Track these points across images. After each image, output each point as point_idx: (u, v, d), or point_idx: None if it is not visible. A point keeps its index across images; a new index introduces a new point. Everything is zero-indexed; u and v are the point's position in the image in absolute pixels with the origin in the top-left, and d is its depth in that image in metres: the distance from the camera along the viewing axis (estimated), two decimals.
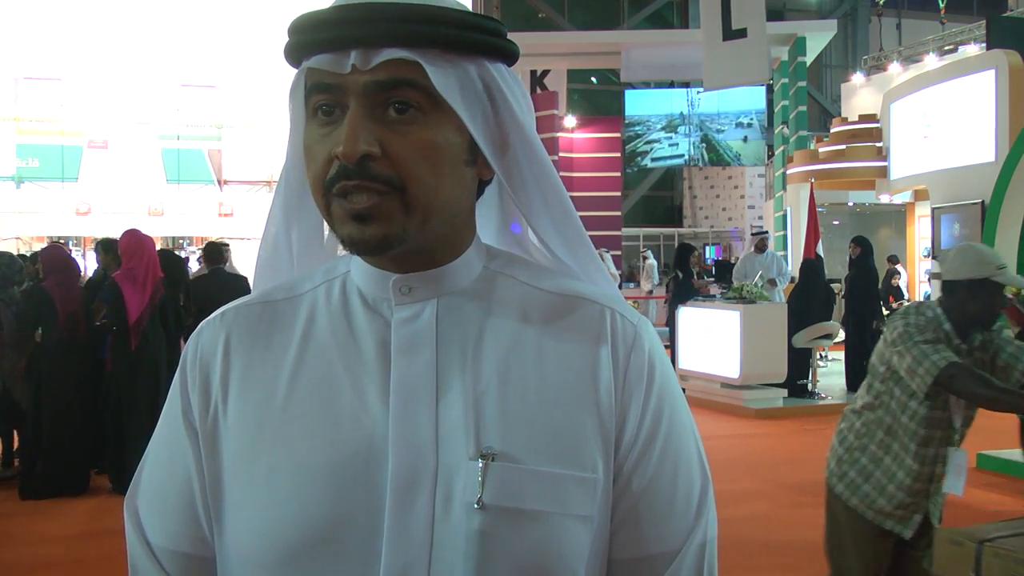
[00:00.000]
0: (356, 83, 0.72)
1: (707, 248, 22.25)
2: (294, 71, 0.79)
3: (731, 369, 8.24)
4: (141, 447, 0.88)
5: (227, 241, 8.88)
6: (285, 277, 0.88)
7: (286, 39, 0.76)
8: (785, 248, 13.27)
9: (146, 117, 16.65)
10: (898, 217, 15.57)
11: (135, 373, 5.23)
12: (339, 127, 0.73)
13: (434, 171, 0.74)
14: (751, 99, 16.57)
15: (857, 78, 19.65)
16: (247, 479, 0.77)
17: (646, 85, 19.44)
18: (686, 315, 8.99)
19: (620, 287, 15.24)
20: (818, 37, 13.86)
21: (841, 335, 9.05)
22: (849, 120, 13.61)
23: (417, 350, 0.78)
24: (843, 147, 12.18)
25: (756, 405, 8.10)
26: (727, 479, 5.72)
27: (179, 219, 16.49)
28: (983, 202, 8.32)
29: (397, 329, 0.79)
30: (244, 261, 9.62)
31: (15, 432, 6.02)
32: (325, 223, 0.82)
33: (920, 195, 11.57)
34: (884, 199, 12.70)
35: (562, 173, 15.05)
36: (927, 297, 11.33)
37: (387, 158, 0.72)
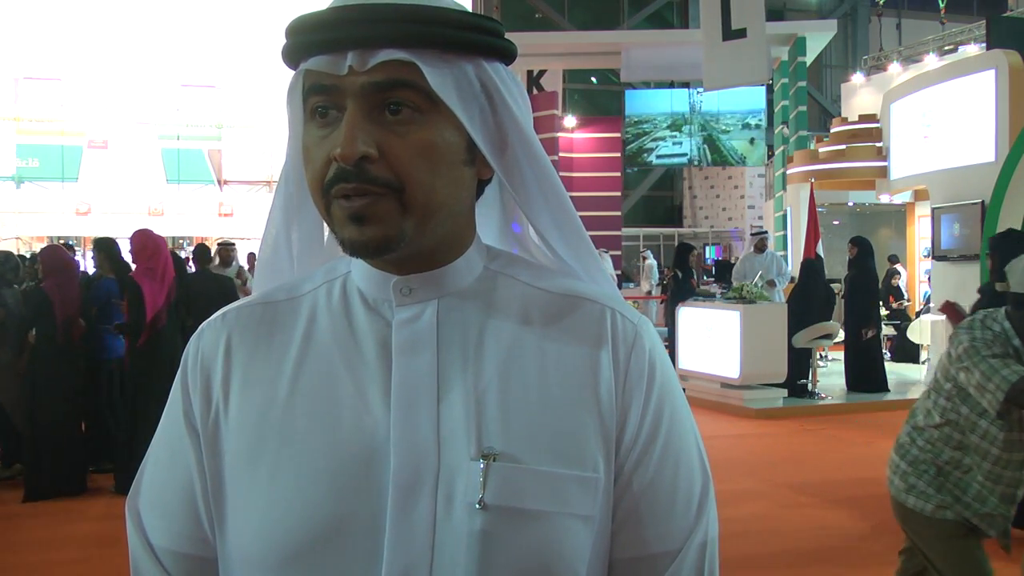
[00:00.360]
0: (353, 84, 0.72)
1: (707, 248, 22.25)
2: (293, 72, 0.79)
3: (731, 369, 8.24)
4: None
5: (232, 241, 8.87)
6: (286, 278, 0.88)
7: (283, 41, 0.76)
8: (785, 248, 13.26)
9: (146, 117, 16.66)
10: (898, 217, 15.56)
11: (152, 372, 5.19)
12: (337, 129, 0.73)
13: (432, 172, 0.74)
14: (759, 99, 16.58)
15: (857, 78, 19.64)
16: (249, 480, 0.77)
17: (646, 85, 19.44)
18: (686, 315, 8.99)
19: (620, 287, 15.25)
20: (818, 37, 13.86)
21: (841, 335, 9.06)
22: (849, 120, 13.59)
23: (418, 351, 0.78)
24: (843, 147, 12.16)
25: (756, 405, 8.10)
26: (727, 479, 5.72)
27: (179, 219, 16.50)
28: (983, 202, 8.32)
29: (398, 330, 0.79)
30: (243, 261, 9.63)
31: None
32: (325, 226, 0.82)
33: (920, 195, 11.56)
34: (884, 199, 12.68)
35: (562, 173, 15.07)
36: (926, 297, 11.33)
37: (385, 160, 0.72)
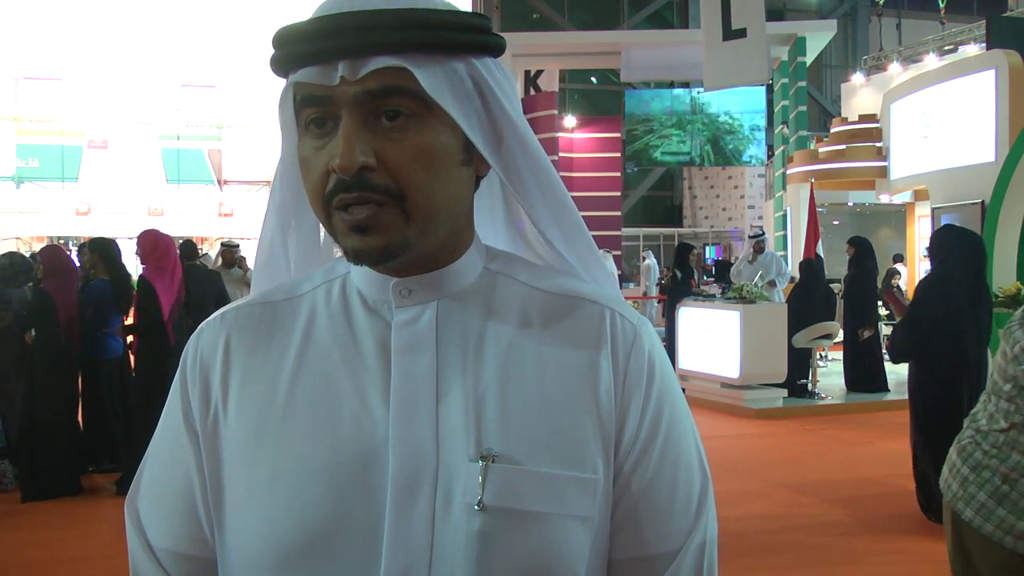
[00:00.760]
0: (346, 94, 0.72)
1: (707, 248, 22.24)
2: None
3: (731, 369, 8.24)
4: None
5: (236, 242, 8.84)
6: (283, 280, 0.88)
7: (271, 51, 0.75)
8: (785, 248, 13.27)
9: (146, 117, 16.67)
10: (898, 217, 15.56)
11: (166, 371, 5.16)
12: (333, 139, 0.72)
13: (431, 175, 0.74)
14: (759, 99, 16.59)
15: (857, 78, 19.64)
16: (247, 480, 0.77)
17: (646, 85, 19.44)
18: (686, 315, 8.99)
19: (620, 286, 15.25)
20: (818, 37, 13.85)
21: (841, 335, 9.06)
22: (849, 120, 13.60)
23: (417, 352, 0.78)
24: (843, 147, 12.17)
25: (756, 405, 8.10)
26: (727, 479, 5.72)
27: (179, 219, 16.50)
28: (983, 202, 8.32)
29: (397, 331, 0.79)
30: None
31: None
32: (322, 229, 0.82)
33: (920, 195, 11.56)
34: (884, 199, 12.69)
35: (562, 173, 15.03)
36: None
37: (384, 168, 0.72)
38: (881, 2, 21.11)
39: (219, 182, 17.29)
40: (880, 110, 12.09)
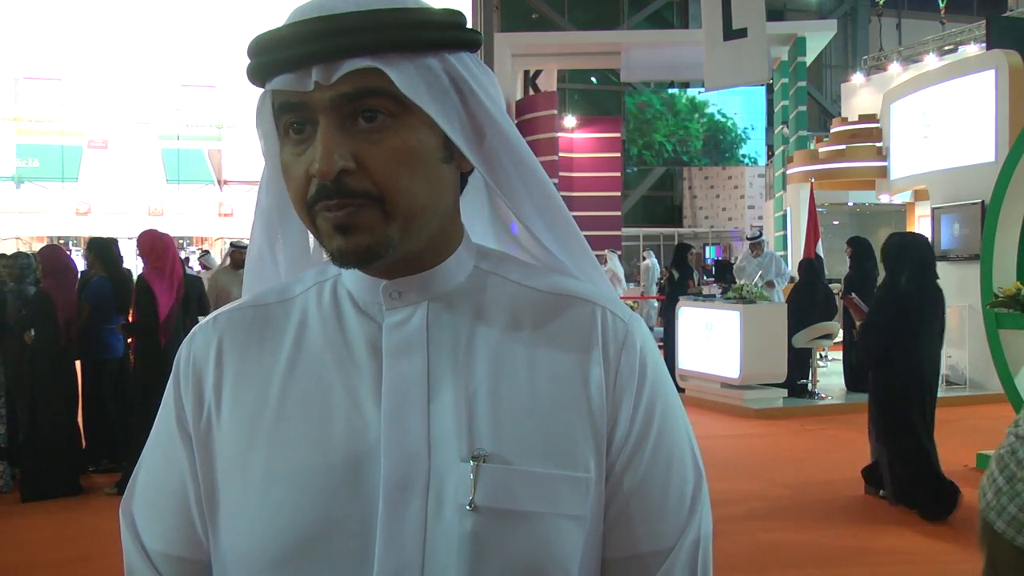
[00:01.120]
0: (322, 99, 0.71)
1: (707, 248, 22.24)
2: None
3: (731, 369, 8.24)
4: None
5: (245, 242, 8.82)
6: (273, 284, 0.88)
7: (247, 60, 0.75)
8: (785, 248, 13.27)
9: (146, 117, 16.66)
10: (898, 217, 15.55)
11: (163, 372, 5.17)
12: (312, 144, 0.72)
13: (411, 175, 0.73)
14: (760, 99, 16.60)
15: (857, 78, 19.64)
16: (240, 482, 0.77)
17: (646, 85, 19.44)
18: (686, 315, 8.98)
19: (625, 285, 15.23)
20: (818, 37, 13.86)
21: (841, 335, 9.06)
22: (849, 120, 13.59)
23: (408, 353, 0.78)
24: (843, 147, 12.16)
25: (756, 405, 8.10)
26: (727, 479, 5.72)
27: (179, 219, 16.50)
28: (983, 202, 8.31)
29: (388, 333, 0.79)
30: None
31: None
32: (310, 236, 0.82)
33: (920, 195, 11.55)
34: (884, 199, 12.68)
35: (562, 173, 15.06)
36: None
37: (364, 170, 0.72)
38: (881, 2, 21.10)
39: (219, 182, 17.29)
40: (880, 110, 12.08)
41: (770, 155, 16.51)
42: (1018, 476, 2.24)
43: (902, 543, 4.53)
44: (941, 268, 9.72)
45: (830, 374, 9.83)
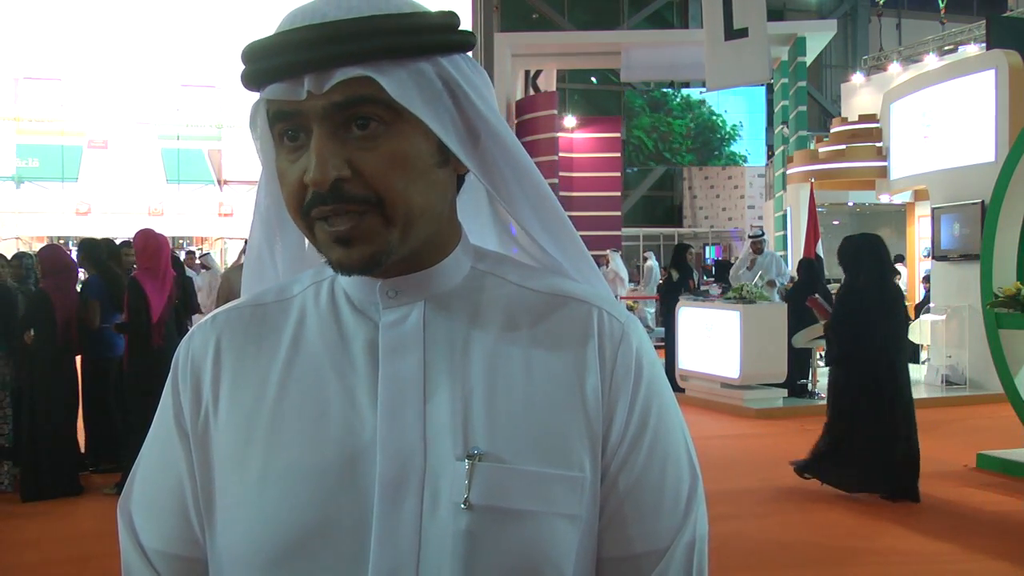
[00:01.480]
0: (315, 108, 0.71)
1: (707, 248, 22.23)
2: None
3: (731, 369, 8.24)
4: None
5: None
6: (271, 284, 0.89)
7: (241, 67, 0.75)
8: (785, 248, 13.26)
9: (146, 117, 16.66)
10: (898, 217, 15.55)
11: (157, 372, 5.16)
12: (307, 152, 0.72)
13: (407, 180, 0.73)
14: (760, 99, 16.59)
15: (857, 78, 19.63)
16: (237, 481, 0.77)
17: (646, 85, 19.43)
18: (686, 315, 8.98)
19: (627, 284, 15.23)
20: (818, 37, 13.86)
21: None
22: (849, 120, 13.58)
23: (405, 353, 0.78)
24: (843, 147, 12.15)
25: (756, 405, 8.10)
26: (727, 479, 5.72)
27: (179, 219, 16.50)
28: (983, 202, 8.30)
29: (385, 332, 0.79)
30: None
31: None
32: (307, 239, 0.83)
33: (920, 195, 11.54)
34: (884, 199, 12.67)
35: (562, 173, 15.05)
36: (925, 297, 11.31)
37: (359, 177, 0.72)
38: (881, 2, 21.10)
39: (219, 182, 17.27)
40: (880, 110, 12.07)
41: (770, 155, 16.51)
42: None
43: (902, 543, 4.53)
44: (940, 268, 9.81)
45: None
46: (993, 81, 9.11)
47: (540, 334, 0.80)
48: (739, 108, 17.28)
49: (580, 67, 18.35)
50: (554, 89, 16.15)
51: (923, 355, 10.40)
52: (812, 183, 10.83)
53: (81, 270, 6.28)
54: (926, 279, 11.37)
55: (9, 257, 6.33)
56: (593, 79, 24.33)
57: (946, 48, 17.96)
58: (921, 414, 8.17)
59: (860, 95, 18.74)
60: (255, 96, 0.78)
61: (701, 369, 8.70)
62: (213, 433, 0.80)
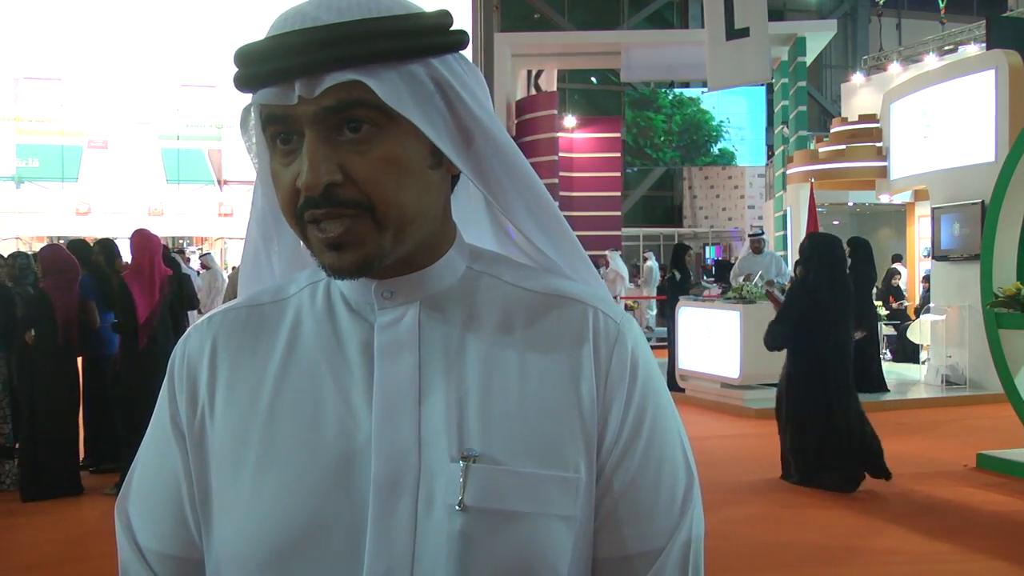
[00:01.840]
0: (306, 113, 0.71)
1: (707, 248, 22.23)
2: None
3: (731, 369, 8.23)
4: None
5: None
6: (268, 284, 0.89)
7: (234, 70, 0.75)
8: (785, 248, 13.25)
9: (146, 117, 16.64)
10: (898, 217, 15.55)
11: (145, 372, 5.19)
12: (299, 156, 0.72)
13: (400, 184, 0.73)
14: (760, 99, 16.57)
15: (857, 78, 19.62)
16: (233, 481, 0.77)
17: (646, 85, 19.43)
18: (686, 315, 8.98)
19: (627, 284, 15.23)
20: (818, 37, 13.84)
21: None
22: (849, 120, 13.57)
23: (400, 353, 0.78)
24: (843, 147, 12.15)
25: (756, 405, 8.10)
26: (727, 479, 5.72)
27: (179, 219, 16.50)
28: (983, 202, 8.30)
29: (380, 333, 0.79)
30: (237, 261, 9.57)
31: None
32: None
33: (920, 195, 11.54)
34: (884, 199, 12.67)
35: (562, 173, 15.03)
36: (925, 296, 11.32)
37: (351, 182, 0.72)
38: (881, 2, 21.08)
39: (219, 182, 17.27)
40: (880, 110, 12.07)
41: (770, 155, 16.50)
42: None
43: (902, 543, 4.53)
44: (941, 268, 9.80)
45: None
46: (993, 81, 9.11)
47: (535, 334, 0.80)
48: (739, 108, 17.26)
49: (580, 67, 18.34)
50: (555, 88, 16.13)
51: (923, 355, 10.40)
52: (812, 183, 10.81)
53: None
54: (926, 279, 11.37)
55: (5, 256, 6.29)
56: (593, 79, 24.32)
57: (946, 48, 17.95)
58: (921, 414, 8.23)
59: (860, 95, 18.73)
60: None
61: (701, 369, 8.70)
62: (209, 434, 0.80)
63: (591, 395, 0.78)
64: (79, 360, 5.84)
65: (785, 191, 13.44)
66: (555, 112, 14.65)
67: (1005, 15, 15.20)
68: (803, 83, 13.33)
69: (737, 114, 17.38)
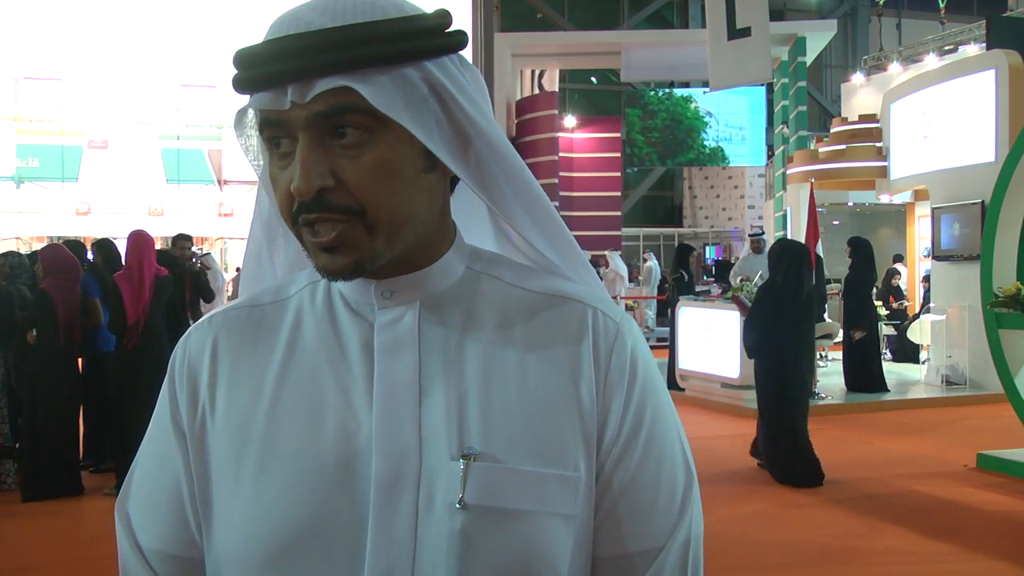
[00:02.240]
0: (299, 118, 0.72)
1: (707, 248, 22.23)
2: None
3: (731, 369, 8.23)
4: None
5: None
6: (269, 284, 0.90)
7: (233, 71, 0.75)
8: None
9: (146, 117, 16.65)
10: (898, 217, 15.55)
11: (138, 373, 5.20)
12: (294, 160, 0.73)
13: (392, 189, 0.73)
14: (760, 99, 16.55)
15: (857, 78, 19.62)
16: (234, 480, 0.78)
17: (646, 85, 19.42)
18: (686, 315, 8.98)
19: (627, 283, 15.23)
20: (818, 37, 13.83)
21: (841, 335, 9.07)
22: (849, 120, 13.56)
23: (400, 353, 0.78)
24: (843, 147, 12.14)
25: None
26: (727, 479, 5.72)
27: (179, 219, 16.48)
28: (983, 202, 8.30)
29: (380, 333, 0.79)
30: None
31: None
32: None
33: (920, 195, 11.54)
34: (884, 199, 12.66)
35: (562, 173, 15.03)
36: (926, 296, 11.32)
37: (343, 187, 0.72)
38: (881, 2, 21.08)
39: (219, 182, 17.27)
40: (880, 110, 12.07)
41: (770, 155, 16.49)
42: None
43: (902, 543, 4.53)
44: (941, 268, 9.80)
45: (830, 374, 9.82)
46: (993, 81, 9.11)
47: (535, 334, 0.80)
48: (740, 108, 17.25)
49: (580, 67, 18.32)
50: (556, 89, 16.12)
51: (923, 355, 10.40)
52: (812, 183, 10.80)
53: None
54: (926, 279, 11.37)
55: None
56: (593, 79, 24.33)
57: (946, 48, 17.95)
58: (921, 414, 8.23)
59: (860, 95, 18.72)
60: None
61: (701, 369, 8.70)
62: (210, 433, 0.80)
63: (591, 394, 0.78)
64: (79, 359, 5.84)
65: (785, 191, 13.43)
66: (555, 112, 14.64)
67: (1005, 15, 15.20)
68: (803, 83, 13.32)
69: (737, 114, 17.37)
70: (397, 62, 0.72)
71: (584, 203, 15.78)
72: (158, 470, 0.83)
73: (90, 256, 6.79)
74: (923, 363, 10.17)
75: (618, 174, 16.97)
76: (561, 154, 15.11)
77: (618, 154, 16.97)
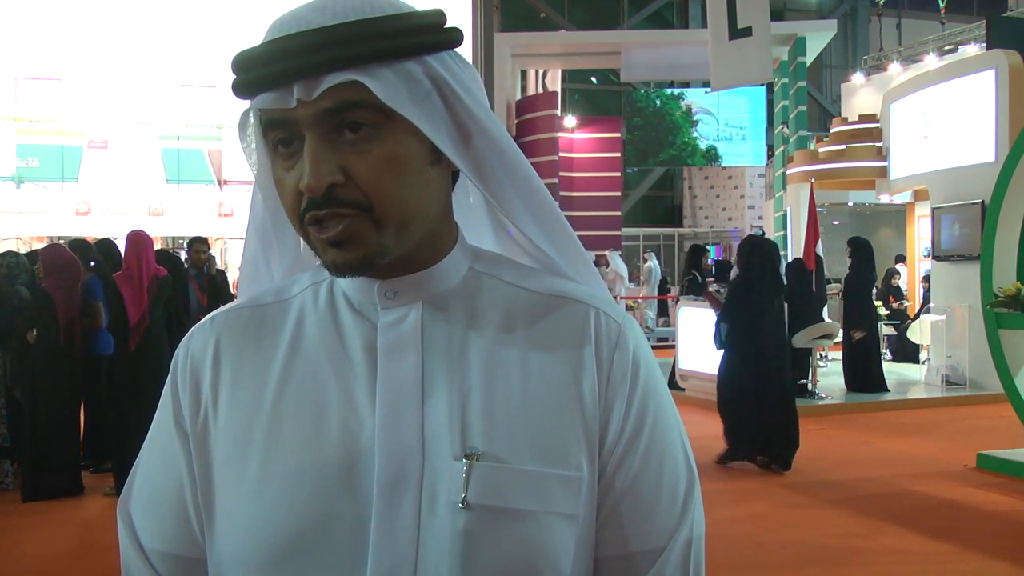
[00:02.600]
0: (306, 115, 0.72)
1: (707, 248, 22.22)
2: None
3: None
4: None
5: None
6: (267, 286, 0.89)
7: (232, 76, 0.75)
8: (785, 248, 13.25)
9: (146, 117, 16.63)
10: (898, 217, 15.55)
11: (137, 373, 5.21)
12: (301, 159, 0.73)
13: (400, 183, 0.74)
14: (760, 99, 16.55)
15: (857, 78, 19.62)
16: (236, 481, 0.78)
17: (646, 85, 19.42)
18: (686, 315, 8.98)
19: (627, 283, 15.22)
20: (818, 37, 13.83)
21: (841, 335, 9.06)
22: (849, 120, 13.57)
23: (403, 353, 0.78)
24: (843, 147, 12.14)
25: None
26: (727, 479, 5.72)
27: (179, 219, 16.48)
28: (983, 202, 8.31)
29: (383, 333, 0.79)
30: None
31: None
32: (302, 241, 0.83)
33: (920, 195, 11.54)
34: (884, 199, 12.67)
35: (562, 173, 15.03)
36: (925, 296, 11.32)
37: (352, 182, 0.73)
38: (881, 2, 21.08)
39: (219, 182, 17.25)
40: (880, 110, 12.07)
41: (770, 155, 16.49)
42: None
43: (902, 543, 4.53)
44: (940, 268, 9.80)
45: (830, 374, 9.83)
46: (993, 81, 9.11)
47: (537, 334, 0.80)
48: (740, 108, 17.25)
49: (580, 67, 18.33)
50: (557, 89, 16.12)
51: (923, 355, 10.40)
52: (812, 183, 10.81)
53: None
54: (926, 279, 11.37)
55: None
56: (593, 79, 24.32)
57: (946, 48, 17.95)
58: (921, 414, 8.23)
59: (860, 95, 18.73)
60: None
61: (701, 369, 8.69)
62: (212, 433, 0.80)
63: (593, 394, 0.78)
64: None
65: (785, 191, 13.44)
66: (555, 112, 14.64)
67: (1005, 15, 15.20)
68: (803, 83, 13.33)
69: (737, 114, 17.37)
70: (400, 57, 0.73)
71: (584, 203, 15.77)
72: (160, 470, 0.83)
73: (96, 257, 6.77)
74: (923, 363, 10.17)
75: (618, 174, 16.97)
76: (561, 154, 15.11)
77: (618, 154, 16.96)
